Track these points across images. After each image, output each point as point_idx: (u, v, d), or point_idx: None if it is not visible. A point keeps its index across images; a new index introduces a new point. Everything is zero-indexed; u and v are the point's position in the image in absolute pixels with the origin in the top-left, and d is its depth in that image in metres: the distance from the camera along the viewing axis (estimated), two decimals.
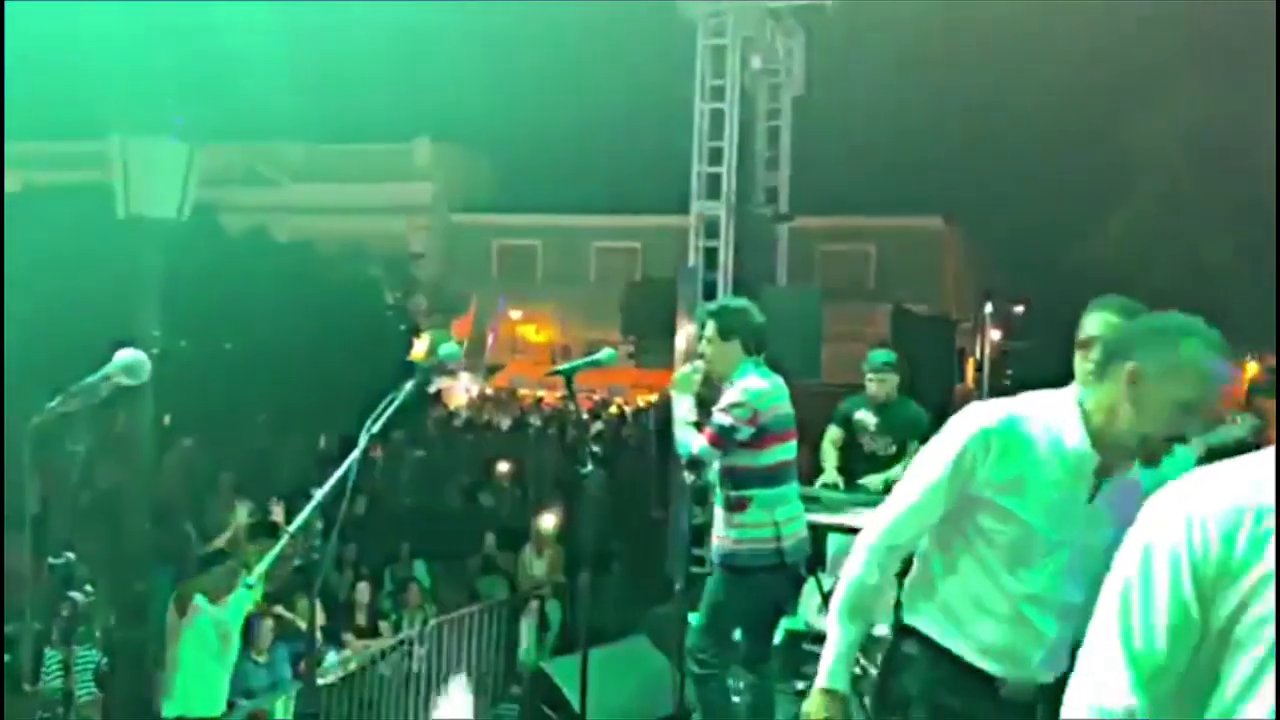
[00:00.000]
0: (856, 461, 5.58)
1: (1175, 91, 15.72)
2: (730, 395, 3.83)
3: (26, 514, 1.98)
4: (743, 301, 4.15)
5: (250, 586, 1.72)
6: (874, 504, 4.75)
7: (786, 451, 3.88)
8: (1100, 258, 17.43)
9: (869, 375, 5.63)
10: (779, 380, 3.91)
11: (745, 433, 3.77)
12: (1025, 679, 2.14)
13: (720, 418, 3.80)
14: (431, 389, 14.41)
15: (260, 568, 2.01)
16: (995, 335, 25.53)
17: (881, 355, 5.82)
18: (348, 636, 7.39)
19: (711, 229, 11.20)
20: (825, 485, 5.31)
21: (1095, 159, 19.62)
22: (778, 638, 4.49)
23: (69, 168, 14.95)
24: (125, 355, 2.00)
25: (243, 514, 7.32)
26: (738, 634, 4.00)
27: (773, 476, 3.85)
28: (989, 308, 24.38)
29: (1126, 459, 2.03)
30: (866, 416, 5.60)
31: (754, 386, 3.80)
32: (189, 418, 8.81)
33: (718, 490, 3.98)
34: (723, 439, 3.76)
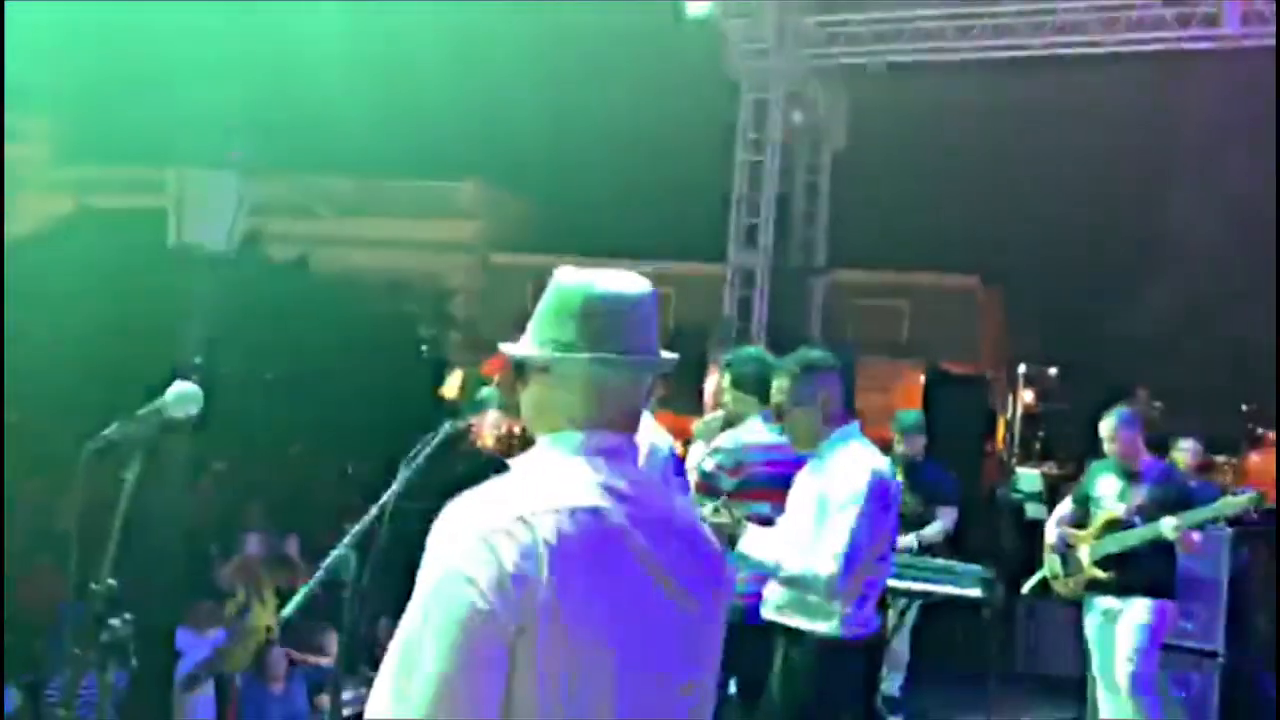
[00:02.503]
0: None
1: (1221, 163, 15.69)
2: (719, 440, 3.81)
3: (72, 538, 2.03)
4: (756, 351, 4.16)
5: (286, 621, 1.76)
6: (903, 565, 4.71)
7: (758, 509, 3.58)
8: (1138, 327, 17.30)
9: (897, 435, 5.62)
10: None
11: (728, 482, 3.65)
12: None
13: (705, 463, 3.77)
14: (461, 425, 14.44)
15: (292, 605, 2.04)
16: (1028, 397, 25.23)
17: (911, 415, 5.82)
18: (365, 670, 7.38)
19: (747, 279, 11.31)
20: None
21: (1138, 228, 19.57)
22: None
23: (123, 192, 15.36)
24: (179, 388, 2.05)
25: (252, 546, 7.30)
26: (732, 688, 3.85)
27: None
28: (1022, 369, 24.14)
29: None
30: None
31: (746, 438, 3.73)
32: (223, 444, 8.93)
33: None
34: (705, 485, 3.69)
